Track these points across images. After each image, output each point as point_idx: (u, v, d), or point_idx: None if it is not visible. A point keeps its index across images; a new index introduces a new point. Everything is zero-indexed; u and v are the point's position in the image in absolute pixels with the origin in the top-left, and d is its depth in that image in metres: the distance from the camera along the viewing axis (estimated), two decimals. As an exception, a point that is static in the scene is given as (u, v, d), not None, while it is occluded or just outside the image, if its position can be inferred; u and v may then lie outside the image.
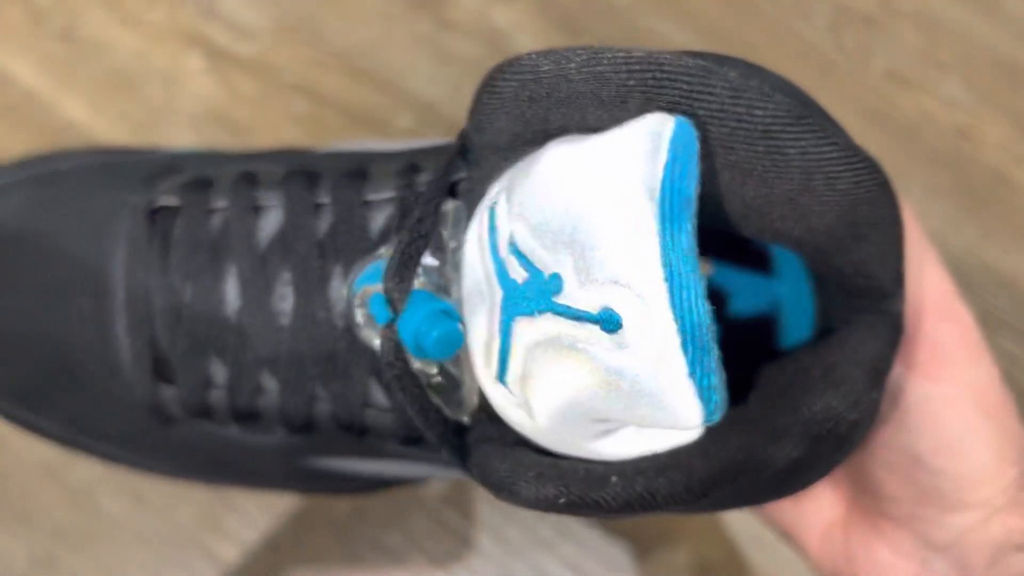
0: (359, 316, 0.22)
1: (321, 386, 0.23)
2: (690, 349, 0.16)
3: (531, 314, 0.18)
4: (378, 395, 0.23)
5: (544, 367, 0.18)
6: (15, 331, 0.25)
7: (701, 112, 0.18)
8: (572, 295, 0.17)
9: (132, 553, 0.41)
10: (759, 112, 0.18)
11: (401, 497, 0.42)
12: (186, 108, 0.48)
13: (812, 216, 0.19)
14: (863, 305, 0.21)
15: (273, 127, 0.48)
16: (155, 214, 0.25)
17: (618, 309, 0.16)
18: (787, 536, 0.29)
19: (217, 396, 0.24)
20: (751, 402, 0.20)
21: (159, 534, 0.41)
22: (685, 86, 0.18)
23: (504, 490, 0.18)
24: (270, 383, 0.23)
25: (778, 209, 0.19)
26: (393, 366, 0.19)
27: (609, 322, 0.17)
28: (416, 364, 0.20)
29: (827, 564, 0.27)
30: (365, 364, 0.22)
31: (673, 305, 0.16)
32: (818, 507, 0.28)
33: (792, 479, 0.19)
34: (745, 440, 0.18)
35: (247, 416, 0.24)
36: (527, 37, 0.51)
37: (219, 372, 0.24)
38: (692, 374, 0.16)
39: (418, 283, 0.20)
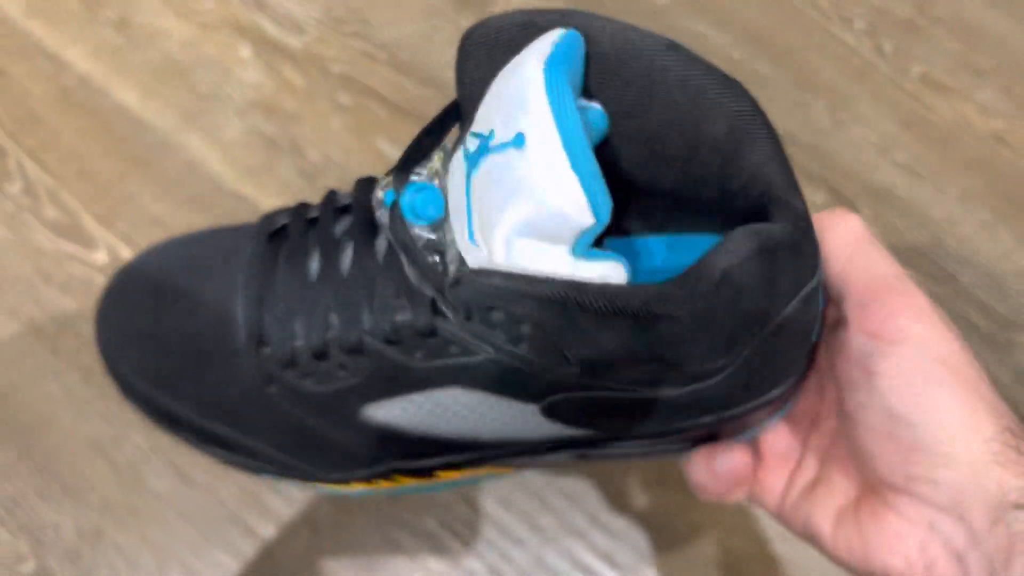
0: (383, 216, 0.27)
1: (367, 310, 0.28)
2: (571, 151, 0.21)
3: (477, 165, 0.23)
4: (405, 312, 0.27)
5: (487, 205, 0.23)
6: (163, 333, 0.32)
7: (598, 49, 0.24)
8: (499, 136, 0.22)
9: (176, 529, 0.42)
10: (641, 45, 0.24)
11: (438, 483, 0.43)
12: (235, 96, 0.49)
13: (700, 128, 0.24)
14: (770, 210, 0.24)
15: (319, 117, 0.49)
16: (272, 236, 0.32)
17: (523, 131, 0.22)
18: (803, 532, 0.30)
19: (300, 345, 0.29)
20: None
21: (202, 512, 0.42)
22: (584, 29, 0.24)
23: (478, 282, 0.23)
24: (334, 319, 0.29)
25: (675, 128, 0.24)
26: (397, 232, 0.25)
27: (518, 141, 0.22)
28: (415, 231, 0.25)
29: (842, 549, 0.28)
30: (393, 286, 0.28)
31: (555, 120, 0.21)
32: (831, 492, 0.29)
33: (703, 330, 0.23)
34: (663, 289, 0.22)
35: (320, 355, 0.29)
36: (569, 34, 0.52)
37: (300, 326, 0.29)
38: (575, 167, 0.21)
39: (415, 178, 0.26)
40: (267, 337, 0.30)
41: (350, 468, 0.33)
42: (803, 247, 0.23)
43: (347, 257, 0.29)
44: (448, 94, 0.50)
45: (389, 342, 0.28)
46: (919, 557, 0.25)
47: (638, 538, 0.43)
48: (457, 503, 0.43)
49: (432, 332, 0.26)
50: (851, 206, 0.49)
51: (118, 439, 0.43)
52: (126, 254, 0.46)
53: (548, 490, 0.43)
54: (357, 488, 0.34)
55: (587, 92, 0.25)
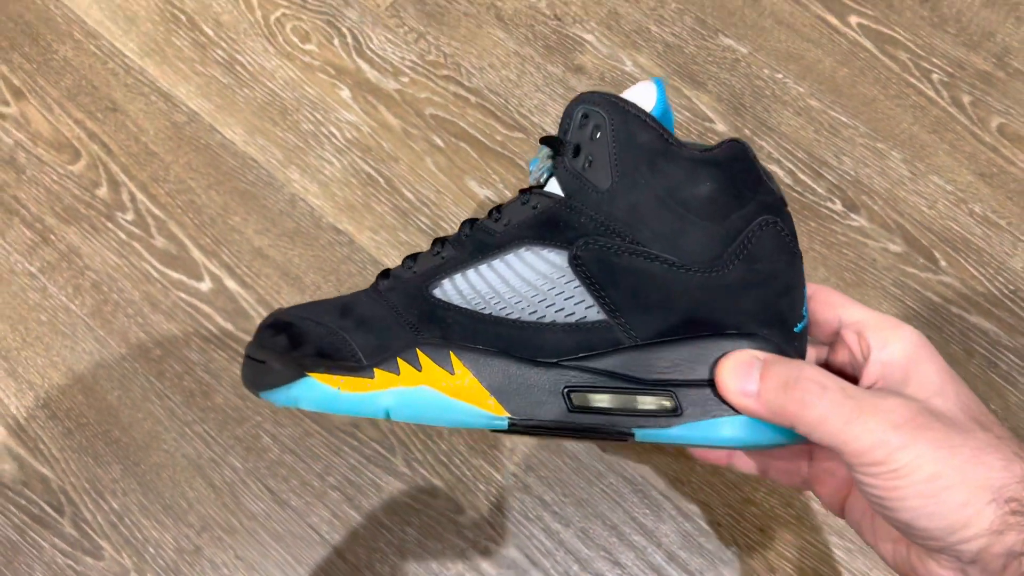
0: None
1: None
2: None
3: None
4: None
5: None
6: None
7: None
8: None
9: (270, 550, 0.44)
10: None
11: (520, 515, 0.44)
12: (334, 135, 0.51)
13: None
14: None
15: (415, 156, 0.51)
16: None
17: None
18: (872, 546, 0.35)
19: (427, 252, 0.39)
20: None
21: (294, 534, 0.44)
22: None
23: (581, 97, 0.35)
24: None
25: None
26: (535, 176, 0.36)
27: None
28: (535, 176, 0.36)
29: (899, 568, 0.34)
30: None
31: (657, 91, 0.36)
32: (887, 527, 0.34)
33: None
34: None
35: (436, 248, 0.38)
36: (652, 81, 0.53)
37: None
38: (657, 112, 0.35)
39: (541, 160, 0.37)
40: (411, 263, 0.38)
41: (387, 340, 0.35)
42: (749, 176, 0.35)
43: None
44: (534, 136, 0.51)
45: (494, 219, 0.36)
46: None
47: (716, 576, 0.44)
48: (539, 533, 0.44)
49: (526, 192, 0.36)
50: (927, 255, 0.49)
51: (217, 461, 0.45)
52: (230, 284, 0.48)
53: (627, 527, 0.44)
54: (361, 389, 0.35)
55: None
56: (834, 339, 0.36)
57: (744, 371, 0.32)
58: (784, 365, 0.32)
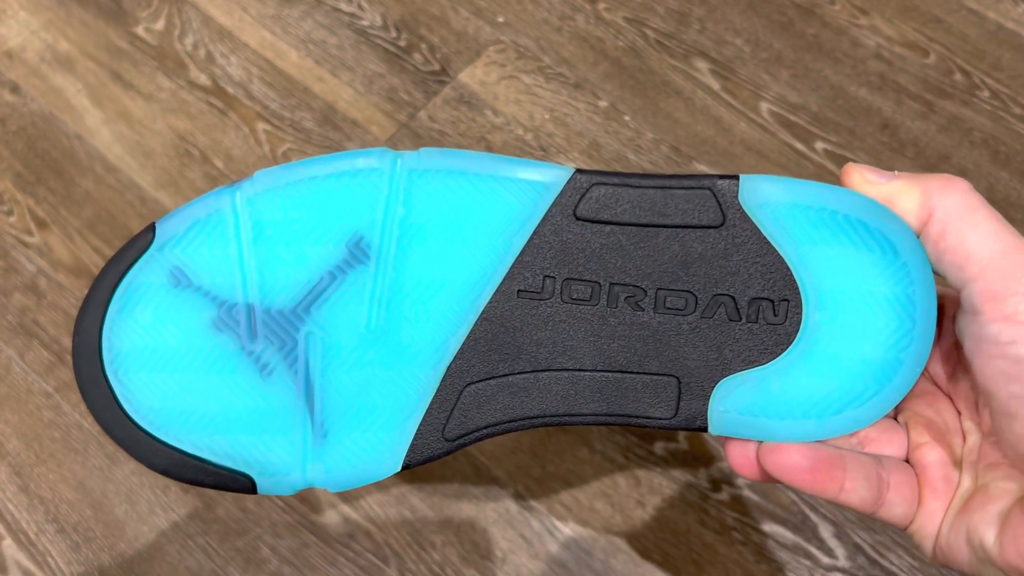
0: None
1: None
2: None
3: None
4: None
5: None
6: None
7: None
8: None
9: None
10: None
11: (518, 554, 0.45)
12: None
13: None
14: None
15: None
16: None
17: None
18: (963, 555, 0.27)
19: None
20: None
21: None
22: None
23: None
24: None
25: None
26: None
27: None
28: None
29: (1011, 551, 0.26)
30: None
31: None
32: (989, 499, 0.27)
33: None
34: None
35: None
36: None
37: None
38: None
39: None
40: None
41: None
42: None
43: None
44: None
45: None
46: None
47: None
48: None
49: None
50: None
51: (218, 572, 0.47)
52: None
53: (616, 633, 0.46)
54: None
55: None
56: None
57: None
58: None
